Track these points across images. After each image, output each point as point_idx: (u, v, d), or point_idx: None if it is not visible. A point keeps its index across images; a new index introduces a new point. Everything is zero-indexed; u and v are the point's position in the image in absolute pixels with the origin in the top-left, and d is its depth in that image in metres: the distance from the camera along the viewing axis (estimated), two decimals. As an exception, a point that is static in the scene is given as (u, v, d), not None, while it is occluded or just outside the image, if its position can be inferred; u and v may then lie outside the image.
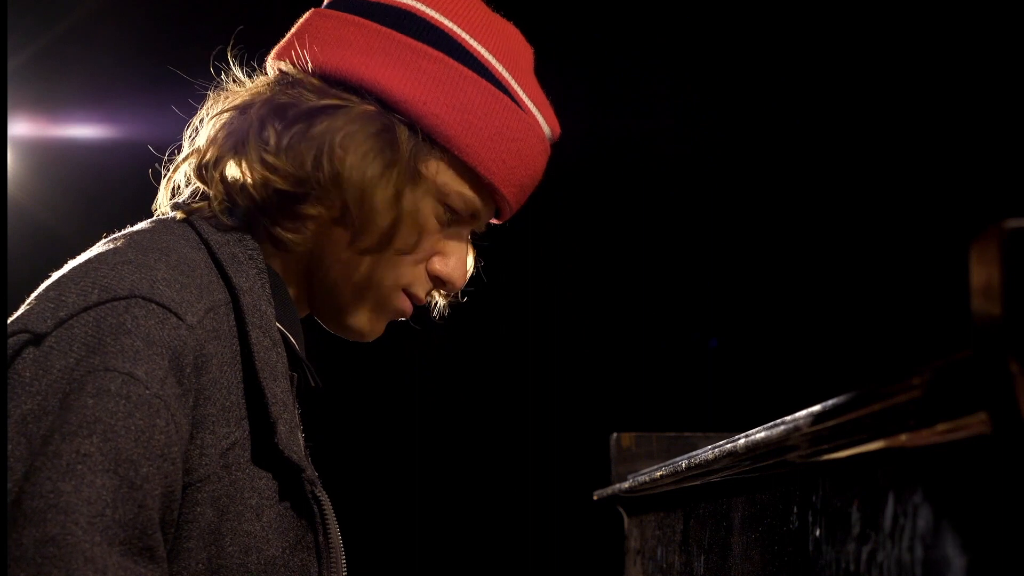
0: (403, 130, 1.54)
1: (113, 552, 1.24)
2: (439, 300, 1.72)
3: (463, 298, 1.74)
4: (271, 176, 1.50)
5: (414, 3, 1.59)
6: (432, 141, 1.55)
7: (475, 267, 1.73)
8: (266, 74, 1.62)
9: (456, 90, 1.55)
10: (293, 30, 1.63)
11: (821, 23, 4.29)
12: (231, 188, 1.53)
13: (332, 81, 1.54)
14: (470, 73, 1.57)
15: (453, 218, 1.61)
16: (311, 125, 1.51)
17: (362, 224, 1.53)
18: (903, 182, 4.18)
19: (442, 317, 1.74)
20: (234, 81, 1.60)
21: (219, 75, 1.61)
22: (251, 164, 1.51)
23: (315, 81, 1.54)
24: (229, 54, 1.61)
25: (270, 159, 1.50)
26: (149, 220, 1.56)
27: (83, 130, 4.41)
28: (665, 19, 4.45)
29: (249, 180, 1.51)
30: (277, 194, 1.52)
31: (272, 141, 1.51)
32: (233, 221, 1.53)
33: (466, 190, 1.59)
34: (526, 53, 1.66)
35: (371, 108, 1.53)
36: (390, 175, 1.53)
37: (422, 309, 1.69)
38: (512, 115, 1.59)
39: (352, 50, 1.55)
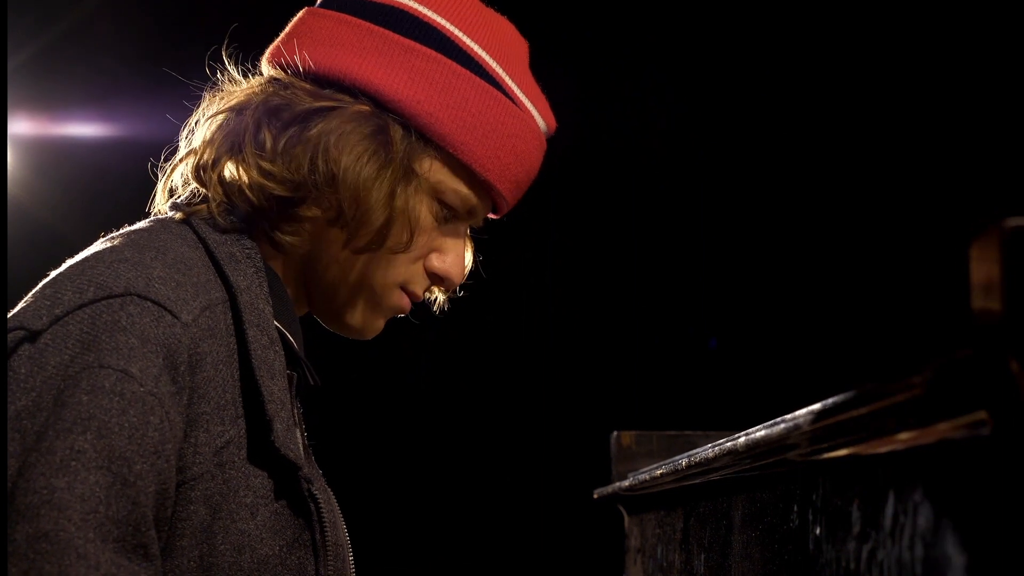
0: (397, 129, 1.54)
1: (107, 549, 1.24)
2: (438, 295, 1.73)
3: (460, 292, 1.74)
4: (267, 182, 1.50)
5: (407, 1, 1.59)
6: (426, 139, 1.56)
7: (473, 262, 1.73)
8: (261, 74, 1.62)
9: (449, 88, 1.55)
10: (287, 30, 1.63)
11: (814, 17, 4.29)
12: (229, 191, 1.53)
13: (325, 82, 1.54)
14: (463, 70, 1.57)
15: (450, 215, 1.61)
16: (306, 128, 1.51)
17: (356, 224, 1.53)
18: (902, 180, 4.17)
19: (442, 313, 1.75)
20: (230, 81, 1.61)
21: (215, 75, 1.61)
22: (248, 169, 1.51)
23: (308, 84, 1.55)
24: (224, 53, 1.61)
25: (266, 165, 1.50)
26: (147, 219, 1.56)
27: (83, 129, 4.41)
28: (654, 15, 4.44)
29: (246, 185, 1.51)
30: (274, 199, 1.52)
31: (268, 145, 1.51)
32: (231, 222, 1.53)
33: (462, 187, 1.60)
34: (521, 48, 1.66)
35: (365, 108, 1.53)
36: (384, 175, 1.53)
37: (421, 306, 1.70)
38: (506, 111, 1.59)
39: (345, 50, 1.55)
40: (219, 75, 1.61)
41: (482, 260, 1.76)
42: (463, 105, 1.56)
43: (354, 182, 1.51)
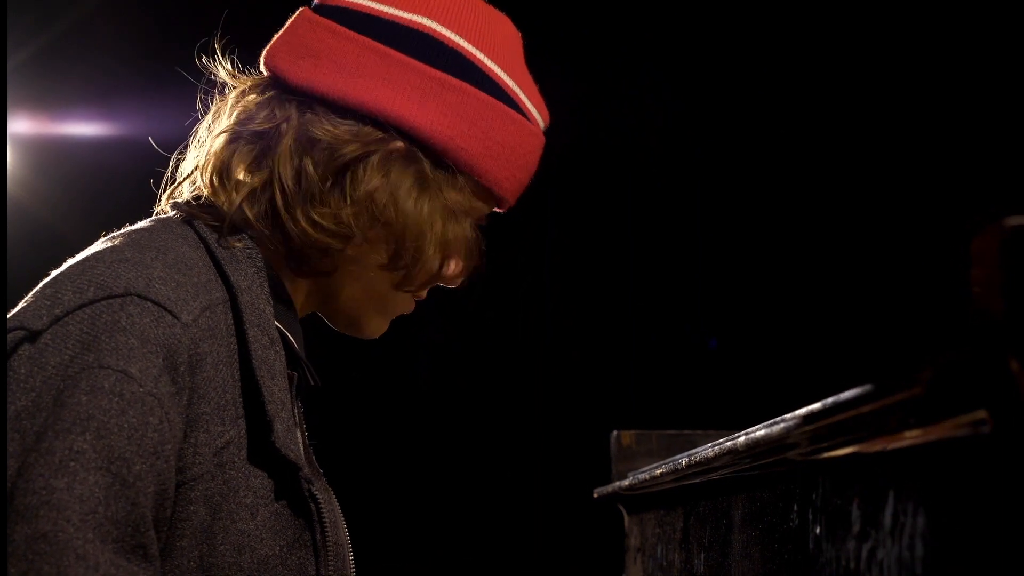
0: (427, 163, 1.55)
1: (106, 549, 1.24)
2: None
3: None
4: (319, 236, 1.52)
5: (424, 21, 1.58)
6: (454, 169, 1.57)
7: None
8: (261, 73, 1.61)
9: (479, 119, 1.57)
10: (292, 34, 1.59)
11: (812, 14, 4.28)
12: (256, 217, 1.52)
13: (355, 113, 1.54)
14: (488, 98, 1.58)
15: None
16: (351, 180, 1.52)
17: (411, 267, 1.57)
18: (901, 178, 4.17)
19: (441, 312, 1.78)
20: (233, 77, 1.60)
21: (219, 75, 1.60)
22: (292, 211, 1.51)
23: (338, 114, 1.53)
24: (216, 46, 1.60)
25: (315, 215, 1.51)
26: (149, 219, 1.56)
27: (83, 128, 4.40)
28: (651, 13, 4.44)
29: (293, 230, 1.52)
30: (323, 247, 1.53)
31: (314, 189, 1.51)
32: (240, 235, 1.53)
33: (481, 205, 1.63)
34: (518, 45, 1.68)
35: (400, 146, 1.54)
36: (433, 220, 1.56)
37: (420, 306, 1.72)
38: (523, 131, 1.62)
39: (375, 81, 1.54)
40: (223, 74, 1.61)
41: (495, 264, 1.77)
42: (490, 135, 1.58)
43: (414, 237, 1.55)
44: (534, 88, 1.67)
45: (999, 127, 3.99)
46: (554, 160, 1.80)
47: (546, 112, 1.69)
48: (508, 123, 1.60)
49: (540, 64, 1.69)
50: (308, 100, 1.55)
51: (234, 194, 1.53)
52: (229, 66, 1.62)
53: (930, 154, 4.12)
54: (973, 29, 4.05)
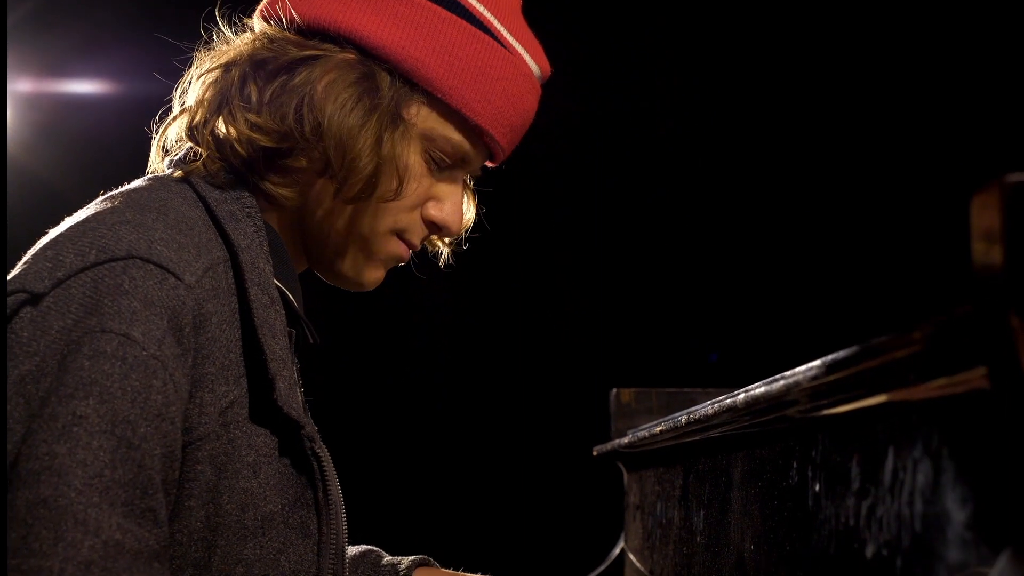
0: (384, 76, 1.54)
1: (114, 513, 1.24)
2: (443, 248, 1.74)
3: (465, 245, 1.75)
4: (255, 134, 1.51)
5: None
6: (414, 85, 1.56)
7: (476, 214, 1.74)
8: (252, 30, 1.62)
9: (435, 32, 1.56)
10: None
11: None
12: (221, 147, 1.53)
13: (311, 32, 1.55)
14: (448, 14, 1.57)
15: (443, 163, 1.61)
16: (290, 78, 1.52)
17: (344, 173, 1.53)
18: (902, 137, 4.16)
19: (446, 268, 1.76)
20: (223, 40, 1.61)
21: (209, 35, 1.61)
22: (235, 123, 1.52)
23: (294, 36, 1.55)
24: (217, 13, 1.61)
25: (252, 117, 1.51)
26: (146, 178, 1.56)
27: (83, 86, 4.39)
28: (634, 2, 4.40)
29: (235, 139, 1.52)
30: (263, 151, 1.52)
31: (254, 98, 1.52)
32: (227, 179, 1.53)
33: (453, 133, 1.59)
34: None
35: (351, 56, 1.54)
36: (370, 122, 1.53)
37: (425, 262, 1.71)
38: (495, 54, 1.59)
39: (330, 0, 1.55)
40: (214, 35, 1.61)
41: (494, 221, 1.76)
42: (449, 49, 1.56)
43: (339, 130, 1.51)
44: (530, 34, 1.65)
45: (999, 83, 3.97)
46: (547, 130, 1.78)
47: (546, 63, 1.67)
48: (474, 42, 1.57)
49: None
50: (271, 31, 1.57)
51: (207, 136, 1.54)
52: (226, 28, 1.62)
53: (929, 114, 4.10)
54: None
